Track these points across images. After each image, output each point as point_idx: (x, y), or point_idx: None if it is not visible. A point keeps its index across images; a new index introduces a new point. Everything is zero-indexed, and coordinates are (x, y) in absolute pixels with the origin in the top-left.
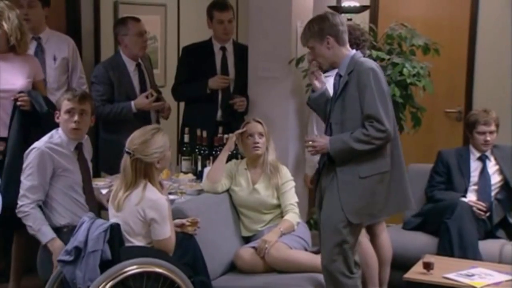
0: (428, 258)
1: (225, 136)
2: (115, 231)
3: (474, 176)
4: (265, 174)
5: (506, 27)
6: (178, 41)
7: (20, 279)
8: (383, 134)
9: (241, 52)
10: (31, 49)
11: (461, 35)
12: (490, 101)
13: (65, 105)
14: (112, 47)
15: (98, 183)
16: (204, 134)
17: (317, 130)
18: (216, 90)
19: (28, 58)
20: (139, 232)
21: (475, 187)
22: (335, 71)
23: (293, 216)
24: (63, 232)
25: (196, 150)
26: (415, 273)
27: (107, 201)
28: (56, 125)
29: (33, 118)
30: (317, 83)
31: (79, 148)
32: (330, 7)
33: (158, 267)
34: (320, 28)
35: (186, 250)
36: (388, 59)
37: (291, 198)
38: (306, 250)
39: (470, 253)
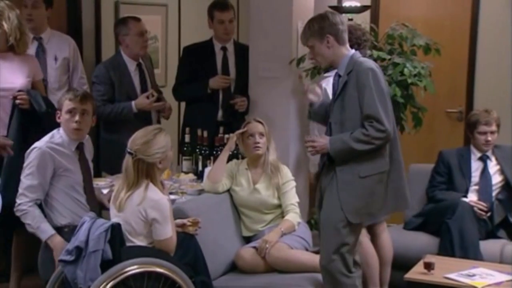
0: (429, 258)
1: (226, 136)
2: (116, 231)
3: (475, 176)
4: (266, 174)
5: (507, 27)
6: (179, 41)
7: (21, 278)
8: (383, 134)
9: (242, 52)
10: (32, 49)
11: (462, 35)
12: (491, 101)
13: (67, 105)
14: (113, 47)
15: (99, 183)
16: (205, 134)
17: (317, 130)
18: (217, 90)
19: (27, 57)
20: (141, 232)
21: (476, 187)
22: (334, 71)
23: (294, 216)
24: (64, 232)
25: (197, 150)
26: (416, 273)
27: (108, 201)
28: (56, 125)
29: (32, 117)
30: (312, 97)
31: (80, 148)
32: (331, 7)
33: (159, 267)
34: (320, 26)
35: (187, 250)
36: (389, 59)
37: (292, 198)
38: (307, 250)
39: (471, 253)
